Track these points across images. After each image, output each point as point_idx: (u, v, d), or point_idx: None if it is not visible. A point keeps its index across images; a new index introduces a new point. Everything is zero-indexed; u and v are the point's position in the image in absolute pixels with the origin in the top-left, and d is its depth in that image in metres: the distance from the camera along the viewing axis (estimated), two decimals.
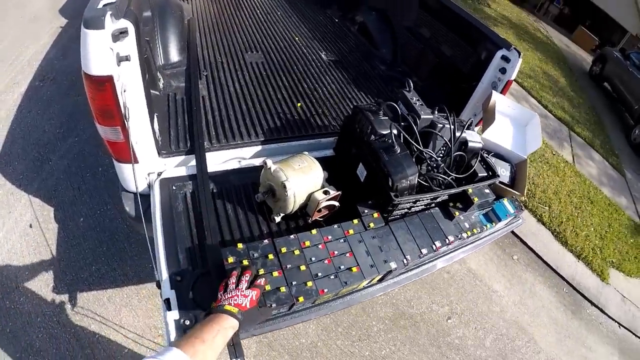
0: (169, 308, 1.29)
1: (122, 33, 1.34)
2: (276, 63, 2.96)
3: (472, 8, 8.56)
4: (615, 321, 4.18)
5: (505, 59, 2.42)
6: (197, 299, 1.35)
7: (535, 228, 4.13)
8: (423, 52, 3.12)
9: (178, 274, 1.41)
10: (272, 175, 1.70)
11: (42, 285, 2.43)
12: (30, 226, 2.71)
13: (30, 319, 2.28)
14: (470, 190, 1.90)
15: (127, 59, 1.39)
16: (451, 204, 1.93)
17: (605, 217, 4.94)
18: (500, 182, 2.43)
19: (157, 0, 2.66)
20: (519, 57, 2.34)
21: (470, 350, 2.90)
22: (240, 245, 1.44)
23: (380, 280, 1.70)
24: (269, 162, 1.71)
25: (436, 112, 1.95)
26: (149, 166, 1.81)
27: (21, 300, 2.35)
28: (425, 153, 1.83)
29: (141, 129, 1.66)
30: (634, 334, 4.26)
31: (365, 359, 2.53)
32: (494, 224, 2.08)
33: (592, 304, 4.09)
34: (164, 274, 1.40)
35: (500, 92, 2.54)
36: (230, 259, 1.38)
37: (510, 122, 2.64)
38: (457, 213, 1.89)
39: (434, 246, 1.73)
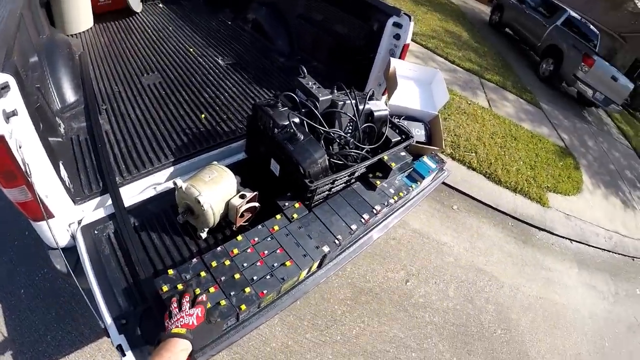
0: (122, 354, 1.28)
1: (4, 88, 1.24)
2: (174, 79, 2.87)
3: None
4: (566, 238, 4.53)
5: (397, 25, 2.48)
6: (148, 336, 1.33)
7: (467, 175, 4.33)
8: (318, 36, 3.15)
9: (122, 317, 1.39)
10: (185, 193, 1.67)
11: None
12: None
13: None
14: (385, 157, 1.93)
15: (14, 114, 1.29)
16: (371, 175, 1.97)
17: (531, 149, 5.27)
18: (417, 142, 2.51)
19: (42, 42, 2.50)
20: (410, 20, 2.41)
21: (437, 305, 3.01)
22: (171, 272, 1.41)
23: (319, 266, 1.70)
24: (179, 182, 1.68)
25: (335, 91, 1.97)
26: (67, 217, 1.72)
27: None
28: (333, 133, 1.84)
29: (48, 181, 1.56)
30: (585, 244, 4.62)
31: (338, 343, 2.55)
32: (418, 182, 2.15)
33: (540, 229, 4.37)
34: (108, 321, 1.37)
35: (399, 58, 2.61)
36: (165, 288, 1.35)
37: (415, 84, 2.73)
38: (378, 182, 1.93)
39: (362, 219, 1.75)
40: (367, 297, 2.85)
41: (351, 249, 1.84)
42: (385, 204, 1.87)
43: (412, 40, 6.72)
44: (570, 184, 5.18)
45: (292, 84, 2.00)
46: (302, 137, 1.66)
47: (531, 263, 3.89)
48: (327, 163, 1.70)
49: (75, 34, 3.41)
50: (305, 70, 1.99)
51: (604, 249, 4.75)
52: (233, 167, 2.05)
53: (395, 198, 1.94)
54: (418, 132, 2.54)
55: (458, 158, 4.39)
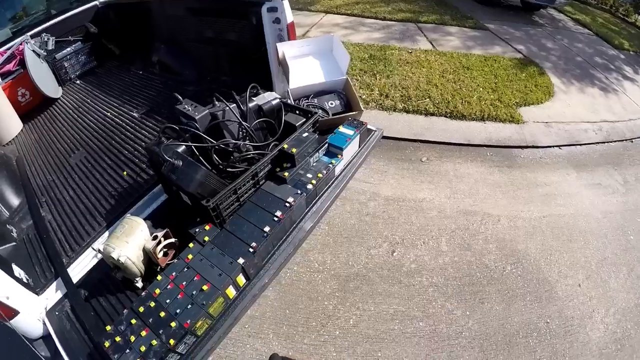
0: None
1: None
2: (97, 149, 2.95)
3: None
4: (553, 146, 4.32)
5: (272, 9, 2.44)
6: None
7: (427, 123, 4.17)
8: (215, 51, 3.14)
9: None
10: (104, 254, 1.74)
11: None
12: None
13: None
14: (285, 146, 1.87)
15: None
16: (278, 169, 1.91)
17: (487, 72, 5.09)
18: (334, 114, 2.45)
19: None
20: (282, 0, 2.35)
21: (432, 264, 2.88)
22: (108, 328, 1.54)
23: (248, 279, 1.66)
24: (96, 246, 1.84)
25: (216, 102, 1.93)
26: (35, 309, 1.88)
27: None
28: (222, 144, 1.80)
29: (3, 285, 1.74)
30: (576, 144, 4.41)
31: (338, 338, 2.48)
32: (339, 156, 2.08)
33: (522, 147, 4.17)
34: None
35: (289, 39, 2.56)
36: (107, 343, 1.47)
37: (314, 57, 2.67)
38: (286, 174, 1.87)
39: (275, 218, 1.70)
40: (356, 282, 2.76)
41: (282, 248, 1.78)
42: (300, 192, 1.81)
43: (337, 13, 6.70)
44: (540, 91, 4.98)
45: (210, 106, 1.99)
46: (180, 164, 1.63)
47: (523, 185, 3.71)
48: (217, 177, 1.66)
49: (9, 142, 3.53)
50: (180, 97, 1.96)
51: (597, 142, 4.50)
52: (159, 211, 2.14)
53: (314, 182, 1.88)
54: (332, 105, 2.48)
55: (412, 109, 4.24)
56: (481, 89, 4.71)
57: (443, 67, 5.04)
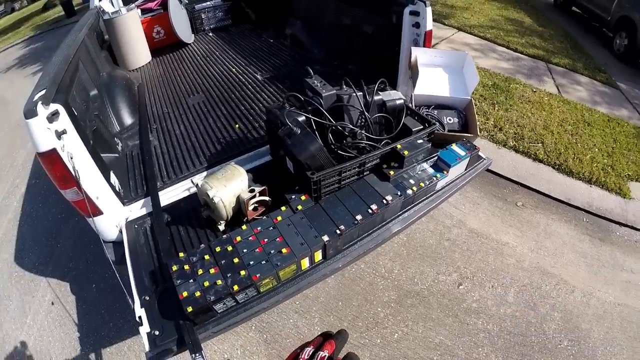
0: (141, 324, 1.52)
1: (54, 114, 1.64)
2: (215, 97, 3.14)
3: None
4: None
5: (415, 13, 2.44)
6: (163, 310, 1.58)
7: (533, 168, 3.92)
8: (349, 39, 3.20)
9: (145, 294, 1.66)
10: (200, 190, 1.85)
11: (71, 350, 2.66)
12: (52, 304, 2.99)
13: None
14: (399, 146, 1.87)
15: (64, 132, 1.68)
16: (385, 166, 1.92)
17: (608, 134, 4.66)
18: (450, 130, 2.40)
19: (103, 79, 2.94)
20: (426, 6, 2.35)
21: (492, 310, 2.73)
22: (181, 254, 1.63)
23: (324, 257, 1.69)
24: (195, 179, 1.90)
25: (344, 86, 1.97)
26: (117, 215, 2.09)
27: None
28: (340, 126, 1.83)
29: (98, 186, 1.94)
30: None
31: (377, 347, 2.45)
32: (445, 172, 2.04)
33: (620, 224, 3.77)
34: (136, 298, 1.64)
35: (424, 46, 2.54)
36: (174, 267, 1.56)
37: (444, 70, 2.62)
38: (392, 172, 1.87)
39: (370, 210, 1.71)
40: (414, 300, 2.71)
41: (365, 241, 1.79)
42: (399, 194, 1.80)
43: (470, 33, 6.54)
44: None
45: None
46: (298, 132, 1.69)
47: (609, 264, 3.37)
48: (328, 155, 1.70)
49: (137, 69, 3.91)
50: (312, 71, 2.03)
51: None
52: (260, 169, 2.27)
53: (415, 189, 1.86)
54: (450, 121, 2.43)
55: (522, 150, 4.02)
56: (597, 149, 4.33)
57: (564, 115, 4.70)
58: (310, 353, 0.74)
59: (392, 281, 2.80)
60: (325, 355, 0.73)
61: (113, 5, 3.70)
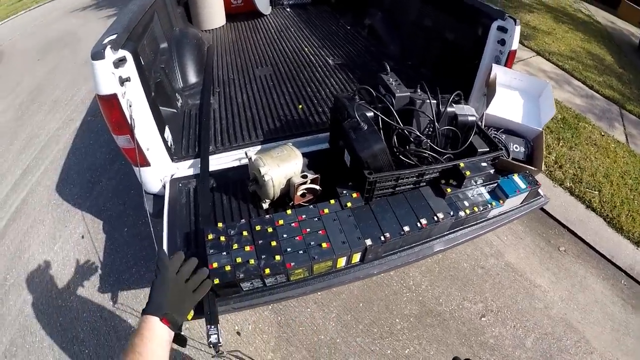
0: None
1: (121, 60, 1.65)
2: (283, 73, 3.11)
3: None
4: None
5: (502, 29, 2.31)
6: None
7: (584, 215, 3.70)
8: (427, 42, 3.08)
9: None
10: (252, 164, 1.84)
11: (90, 286, 2.78)
12: (82, 237, 3.13)
13: (78, 315, 2.62)
14: (461, 165, 1.79)
15: (128, 80, 1.70)
16: (443, 182, 1.84)
17: None
18: (514, 159, 2.29)
19: (175, 34, 2.98)
20: (515, 24, 2.21)
21: (508, 351, 2.62)
22: (220, 225, 1.60)
23: (362, 260, 1.66)
24: (249, 153, 1.91)
25: (418, 90, 1.91)
26: (163, 170, 2.11)
27: (71, 299, 2.70)
28: (406, 130, 1.78)
29: (151, 137, 1.96)
30: None
31: (386, 357, 2.41)
32: (501, 201, 1.94)
33: None
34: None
35: (505, 65, 2.42)
36: (210, 236, 1.54)
37: (520, 95, 2.49)
38: (449, 190, 1.80)
39: (418, 224, 1.65)
40: (433, 320, 2.64)
41: (405, 252, 1.74)
42: (451, 214, 1.73)
43: (548, 59, 6.21)
44: None
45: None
46: (365, 127, 1.65)
47: (636, 335, 3.13)
48: (390, 158, 1.65)
49: (209, 30, 3.95)
50: (389, 68, 1.97)
51: None
52: (315, 155, 2.22)
53: (467, 211, 1.79)
54: (516, 149, 2.31)
55: (577, 194, 3.80)
56: None
57: (627, 167, 4.38)
58: None
59: (417, 295, 2.74)
60: None
61: None
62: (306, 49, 3.50)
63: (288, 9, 4.58)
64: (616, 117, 5.54)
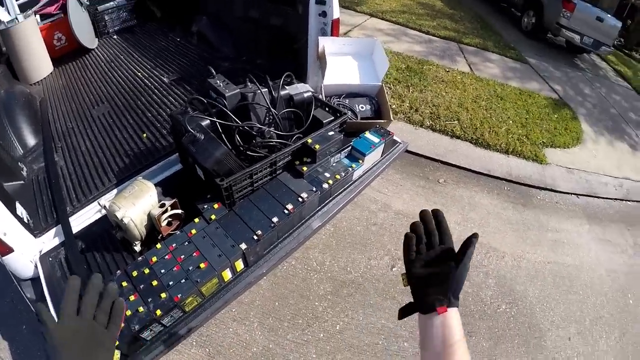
0: None
1: None
2: (121, 106, 2.94)
3: None
4: (571, 193, 4.22)
5: (321, 2, 2.39)
6: None
7: (451, 145, 4.11)
8: (257, 33, 3.11)
9: None
10: (109, 212, 1.73)
11: None
12: None
13: None
14: (309, 141, 1.84)
15: None
16: (297, 162, 1.88)
17: (520, 106, 5.01)
18: (363, 118, 2.41)
19: (0, 97, 2.69)
20: None
21: None
22: None
23: (247, 265, 1.63)
24: (102, 201, 1.81)
25: (249, 83, 1.90)
26: (29, 250, 1.89)
27: None
28: (246, 126, 1.77)
29: (3, 221, 1.74)
30: (594, 196, 4.31)
31: (321, 341, 2.45)
32: (360, 161, 2.04)
33: (540, 188, 4.09)
34: None
35: (331, 34, 2.52)
36: None
37: (353, 58, 2.63)
38: (305, 168, 1.84)
39: (285, 210, 1.67)
40: (350, 289, 2.73)
41: (286, 242, 1.76)
42: (314, 189, 1.78)
43: (382, 18, 6.61)
44: (569, 135, 4.88)
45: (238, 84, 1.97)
46: (202, 137, 1.61)
47: (534, 226, 3.63)
48: (235, 159, 1.64)
49: (37, 82, 3.56)
50: (214, 70, 1.94)
51: (616, 199, 4.40)
52: (170, 179, 2.13)
53: (331, 182, 1.85)
54: (362, 108, 2.44)
55: (439, 129, 4.18)
56: (511, 121, 4.63)
57: (477, 92, 4.96)
58: None
59: (325, 273, 2.80)
60: None
61: (9, 14, 3.31)
62: (139, 73, 3.32)
63: (115, 36, 4.28)
64: (456, 52, 6.19)
